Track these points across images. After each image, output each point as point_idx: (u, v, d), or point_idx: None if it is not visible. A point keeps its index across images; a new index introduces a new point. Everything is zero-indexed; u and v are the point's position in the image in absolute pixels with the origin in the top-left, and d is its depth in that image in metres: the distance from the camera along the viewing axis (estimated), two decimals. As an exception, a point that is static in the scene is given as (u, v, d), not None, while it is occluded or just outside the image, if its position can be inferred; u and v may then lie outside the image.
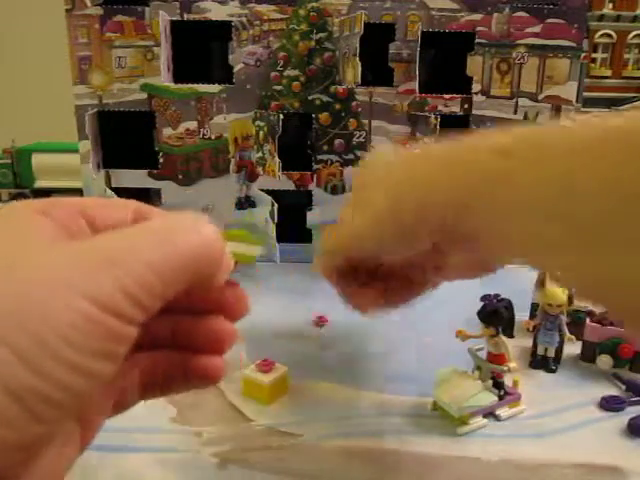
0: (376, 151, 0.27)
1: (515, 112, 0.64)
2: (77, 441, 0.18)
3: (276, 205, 0.61)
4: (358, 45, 0.60)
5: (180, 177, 0.65)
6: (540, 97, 0.64)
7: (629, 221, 0.18)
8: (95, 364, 0.15)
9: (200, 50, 0.64)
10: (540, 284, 0.51)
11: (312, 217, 0.66)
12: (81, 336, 0.14)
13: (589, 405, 0.39)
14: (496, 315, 0.37)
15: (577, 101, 0.67)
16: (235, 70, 0.62)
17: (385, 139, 0.65)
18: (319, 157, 0.65)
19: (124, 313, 0.15)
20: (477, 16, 0.62)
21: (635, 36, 1.37)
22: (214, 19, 0.61)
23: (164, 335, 0.20)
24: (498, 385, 0.37)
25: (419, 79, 0.62)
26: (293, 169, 0.64)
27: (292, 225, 0.64)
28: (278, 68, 0.62)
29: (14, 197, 1.01)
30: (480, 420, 0.36)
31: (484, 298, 0.38)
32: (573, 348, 0.44)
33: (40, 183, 1.01)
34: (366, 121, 0.64)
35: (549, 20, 0.62)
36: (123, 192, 0.63)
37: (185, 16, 0.61)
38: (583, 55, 0.75)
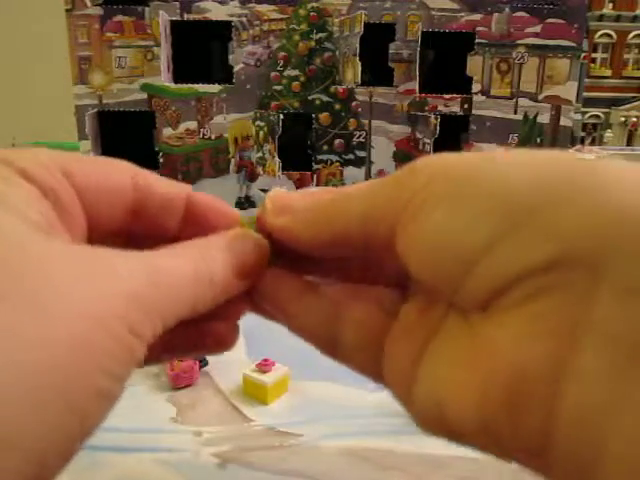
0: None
1: (515, 112, 0.64)
2: None
3: (276, 205, 0.61)
4: (358, 45, 0.60)
5: (180, 177, 0.65)
6: (540, 97, 0.64)
7: None
8: (114, 386, 0.14)
9: (200, 50, 0.64)
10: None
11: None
12: (101, 352, 0.13)
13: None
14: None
15: (577, 101, 0.67)
16: (235, 70, 0.62)
17: (385, 139, 0.65)
18: (319, 157, 0.65)
19: (140, 333, 0.14)
20: (477, 16, 0.62)
21: (635, 36, 1.37)
22: (214, 19, 0.61)
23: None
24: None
25: (419, 79, 0.62)
26: (293, 169, 0.64)
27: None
28: (278, 68, 0.63)
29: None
30: (480, 420, 0.36)
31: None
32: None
33: (40, 183, 1.01)
34: (366, 121, 0.64)
35: (549, 20, 0.62)
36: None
37: (185, 16, 0.61)
38: (583, 55, 0.75)
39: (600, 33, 1.37)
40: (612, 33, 1.37)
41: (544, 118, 0.64)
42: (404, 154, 0.65)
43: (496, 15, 0.62)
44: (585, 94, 1.34)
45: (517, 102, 0.64)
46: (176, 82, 0.63)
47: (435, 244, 0.15)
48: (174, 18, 0.61)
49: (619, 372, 0.12)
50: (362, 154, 0.65)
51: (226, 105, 0.63)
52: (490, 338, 0.14)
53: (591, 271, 0.13)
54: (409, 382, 0.17)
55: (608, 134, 1.35)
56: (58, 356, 0.12)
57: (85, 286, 0.13)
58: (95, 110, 0.63)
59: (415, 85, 0.62)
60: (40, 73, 1.28)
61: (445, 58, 0.65)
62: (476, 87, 0.64)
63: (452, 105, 0.64)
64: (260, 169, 0.65)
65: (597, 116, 1.41)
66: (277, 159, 0.63)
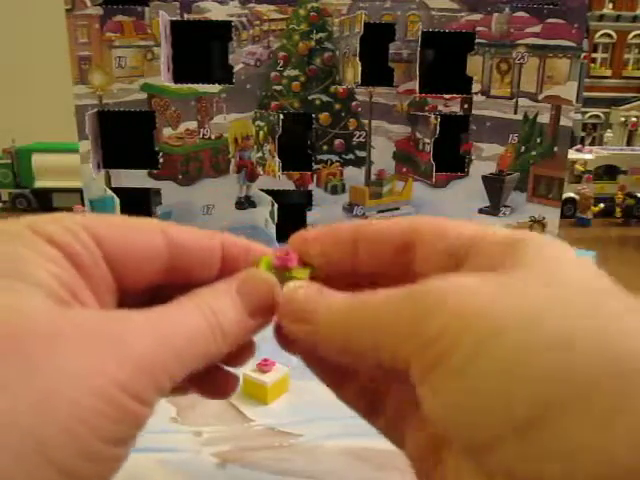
0: None
1: (515, 112, 0.64)
2: None
3: (276, 205, 0.61)
4: (358, 45, 0.60)
5: (180, 177, 0.65)
6: (540, 97, 0.64)
7: None
8: (115, 450, 0.14)
9: (200, 50, 0.64)
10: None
11: (312, 217, 0.66)
12: (106, 422, 0.14)
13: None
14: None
15: (577, 101, 0.67)
16: (235, 70, 0.62)
17: (385, 139, 0.65)
18: (319, 157, 0.65)
19: (145, 398, 0.15)
20: (477, 16, 0.62)
21: (635, 36, 1.37)
22: (214, 19, 0.61)
23: None
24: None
25: (419, 79, 0.62)
26: (293, 169, 0.64)
27: (292, 225, 0.64)
28: (278, 68, 0.63)
29: (14, 197, 1.01)
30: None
31: None
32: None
33: (40, 183, 1.01)
34: (366, 121, 0.64)
35: (549, 20, 0.62)
36: (123, 192, 0.63)
37: (185, 16, 0.61)
38: (583, 55, 0.75)
39: (600, 33, 1.37)
40: (612, 33, 1.37)
41: (544, 118, 0.64)
42: (404, 154, 0.65)
43: (496, 15, 0.62)
44: (585, 94, 1.34)
45: (517, 102, 0.64)
46: (176, 82, 0.63)
47: (459, 413, 0.15)
48: (174, 18, 0.61)
49: None
50: (362, 154, 0.65)
51: (226, 105, 0.63)
52: None
53: None
54: (429, 466, 0.18)
55: (608, 134, 1.35)
56: (51, 429, 0.13)
57: (88, 359, 0.14)
58: (95, 110, 0.63)
59: (415, 85, 0.62)
60: (40, 73, 1.28)
61: (445, 58, 0.65)
62: (476, 87, 0.64)
63: (452, 105, 0.64)
64: (260, 169, 0.65)
65: (597, 116, 1.41)
66: (277, 159, 0.63)
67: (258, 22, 0.62)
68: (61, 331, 0.14)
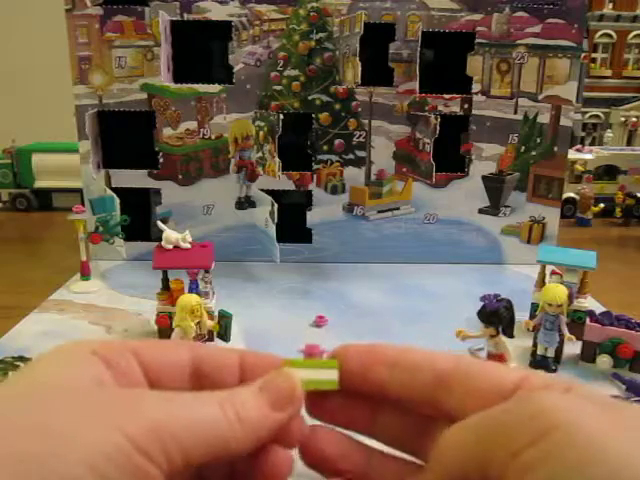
0: None
1: (515, 112, 0.64)
2: None
3: (276, 205, 0.61)
4: (358, 45, 0.60)
5: (180, 177, 0.65)
6: (540, 97, 0.64)
7: None
8: None
9: (200, 50, 0.64)
10: (540, 284, 0.51)
11: (312, 217, 0.66)
12: (116, 471, 0.16)
13: (589, 405, 0.39)
14: (496, 315, 0.37)
15: (577, 101, 0.67)
16: (235, 70, 0.62)
17: (385, 139, 0.65)
18: (319, 157, 0.65)
19: (153, 456, 0.17)
20: (477, 16, 0.62)
21: (635, 36, 1.37)
22: (214, 19, 0.61)
23: (221, 474, 0.22)
24: (498, 385, 0.37)
25: (419, 79, 0.62)
26: (293, 169, 0.64)
27: (292, 225, 0.64)
28: (278, 68, 0.62)
29: (14, 197, 1.01)
30: (480, 420, 0.36)
31: (484, 298, 0.38)
32: (573, 348, 0.44)
33: (40, 183, 1.01)
34: (366, 121, 0.64)
35: (549, 20, 0.62)
36: (123, 192, 0.63)
37: (185, 16, 0.61)
38: (583, 55, 0.75)
39: (600, 33, 1.37)
40: (612, 33, 1.37)
41: (544, 118, 0.64)
42: (404, 154, 0.65)
43: (496, 15, 0.62)
44: (585, 94, 1.34)
45: (517, 102, 0.64)
46: (176, 82, 0.63)
47: None
48: (174, 18, 0.61)
49: None
50: (362, 154, 0.65)
51: (226, 105, 0.63)
52: None
53: None
54: None
55: (608, 134, 1.35)
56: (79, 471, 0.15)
57: (111, 419, 0.17)
58: (95, 110, 0.63)
59: (415, 85, 0.62)
60: (40, 73, 1.28)
61: (445, 58, 0.65)
62: (476, 87, 0.64)
63: (452, 105, 0.64)
64: (260, 169, 0.65)
65: (597, 116, 1.41)
66: (277, 159, 0.63)
67: (258, 22, 0.62)
68: (95, 398, 0.18)
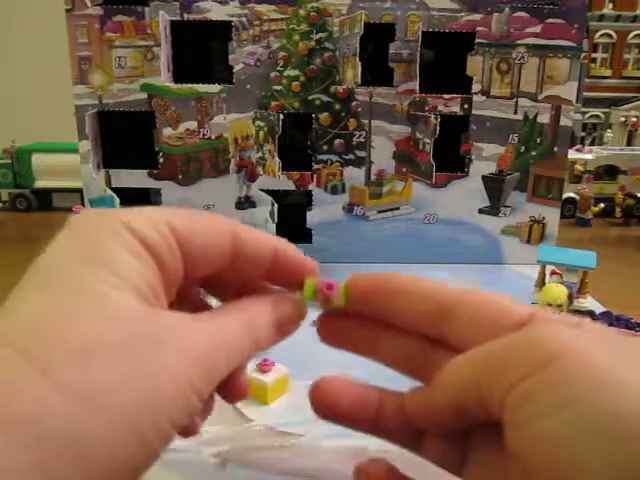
0: None
1: (515, 112, 0.64)
2: None
3: (276, 205, 0.61)
4: (358, 45, 0.60)
5: (180, 177, 0.65)
6: (540, 97, 0.64)
7: None
8: (174, 434, 0.17)
9: (200, 50, 0.64)
10: (540, 284, 0.51)
11: (312, 217, 0.66)
12: (180, 416, 0.17)
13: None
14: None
15: (577, 101, 0.67)
16: (235, 70, 0.62)
17: (385, 139, 0.65)
18: (319, 157, 0.65)
19: (205, 397, 0.18)
20: (477, 16, 0.62)
21: (635, 36, 1.37)
22: (214, 19, 0.61)
23: None
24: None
25: (419, 79, 0.62)
26: (293, 169, 0.64)
27: (292, 225, 0.64)
28: (278, 68, 0.63)
29: (14, 197, 1.01)
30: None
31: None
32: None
33: (40, 183, 1.01)
34: (366, 121, 0.64)
35: (549, 20, 0.62)
36: (123, 192, 0.63)
37: (185, 16, 0.61)
38: (583, 55, 0.75)
39: (600, 33, 1.37)
40: (612, 33, 1.37)
41: (544, 118, 0.64)
42: (404, 154, 0.65)
43: (496, 15, 0.62)
44: (585, 94, 1.34)
45: (517, 102, 0.64)
46: (176, 82, 0.63)
47: (553, 455, 0.15)
48: (174, 18, 0.61)
49: None
50: (362, 154, 0.65)
51: (226, 105, 0.63)
52: None
53: None
54: None
55: (608, 134, 1.35)
56: (146, 415, 0.16)
57: (172, 359, 0.17)
58: (95, 110, 0.63)
59: (415, 85, 0.62)
60: (40, 73, 1.28)
61: (445, 58, 0.65)
62: (476, 87, 0.64)
63: (452, 105, 0.64)
64: (260, 169, 0.65)
65: (597, 116, 1.41)
66: (277, 159, 0.63)
67: (258, 22, 0.62)
68: (148, 327, 0.17)
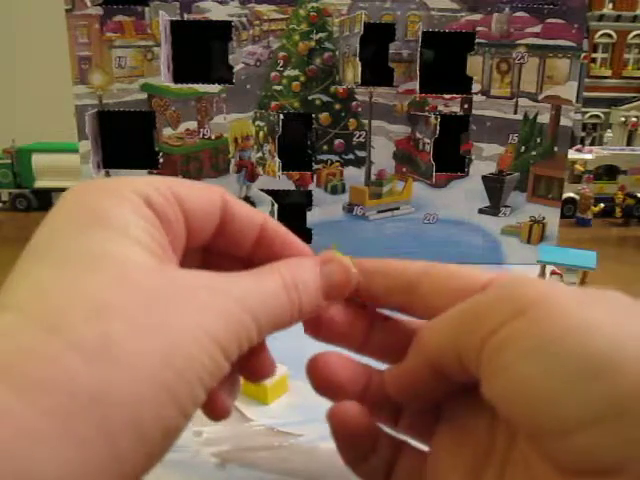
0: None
1: (515, 112, 0.64)
2: None
3: (276, 205, 0.61)
4: (358, 45, 0.60)
5: (180, 177, 0.65)
6: (540, 97, 0.64)
7: None
8: (203, 395, 0.17)
9: (200, 50, 0.64)
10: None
11: (312, 217, 0.66)
12: (207, 375, 0.16)
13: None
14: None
15: (577, 101, 0.67)
16: (235, 70, 0.62)
17: (385, 139, 0.65)
18: (319, 157, 0.65)
19: (232, 357, 0.17)
20: (477, 16, 0.62)
21: (635, 36, 1.37)
22: (214, 19, 0.61)
23: None
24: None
25: (419, 79, 0.62)
26: (293, 169, 0.64)
27: (292, 225, 0.64)
28: (278, 68, 0.63)
29: (14, 197, 1.01)
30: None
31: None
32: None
33: (40, 183, 1.01)
34: (366, 121, 0.64)
35: (549, 20, 0.62)
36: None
37: (185, 16, 0.61)
38: (583, 55, 0.75)
39: (600, 33, 1.37)
40: (612, 33, 1.37)
41: (544, 118, 0.64)
42: (404, 154, 0.65)
43: (496, 15, 0.62)
44: (585, 94, 1.34)
45: (517, 102, 0.64)
46: (176, 82, 0.63)
47: (530, 398, 0.15)
48: (174, 18, 0.61)
49: None
50: (362, 154, 0.65)
51: (226, 105, 0.63)
52: None
53: None
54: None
55: (608, 134, 1.35)
56: (172, 373, 0.15)
57: (194, 317, 0.16)
58: (95, 110, 0.63)
59: (415, 85, 0.62)
60: (40, 73, 1.28)
61: (445, 58, 0.65)
62: (476, 87, 0.64)
63: (452, 105, 0.64)
64: (260, 169, 0.65)
65: (597, 116, 1.41)
66: (277, 159, 0.63)
67: (258, 22, 0.62)
68: (168, 290, 0.16)
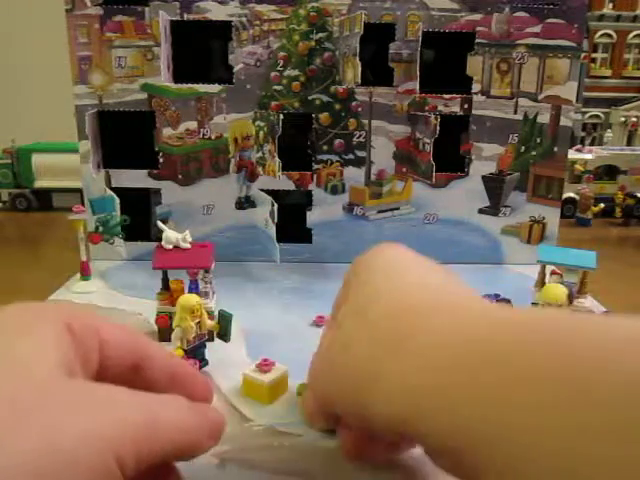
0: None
1: (515, 112, 0.64)
2: None
3: (276, 205, 0.61)
4: (358, 45, 0.60)
5: (180, 177, 0.65)
6: (540, 97, 0.64)
7: None
8: None
9: (200, 50, 0.64)
10: (540, 284, 0.51)
11: (312, 217, 0.66)
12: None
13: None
14: (496, 315, 0.37)
15: (577, 101, 0.67)
16: (235, 70, 0.62)
17: (385, 139, 0.65)
18: (319, 157, 0.65)
19: (129, 470, 0.18)
20: (477, 16, 0.62)
21: (635, 36, 1.37)
22: (214, 19, 0.61)
23: None
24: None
25: (419, 79, 0.62)
26: (293, 169, 0.64)
27: (292, 225, 0.64)
28: (278, 68, 0.62)
29: (14, 197, 1.01)
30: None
31: (484, 298, 0.38)
32: (573, 348, 0.44)
33: (40, 183, 1.01)
34: (366, 121, 0.64)
35: (549, 20, 0.62)
36: (123, 192, 0.63)
37: (185, 16, 0.61)
38: (583, 55, 0.75)
39: (600, 33, 1.37)
40: (612, 33, 1.37)
41: (544, 118, 0.64)
42: (404, 154, 0.65)
43: (496, 15, 0.62)
44: (585, 94, 1.34)
45: (517, 102, 0.64)
46: (176, 82, 0.63)
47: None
48: (174, 18, 0.61)
49: None
50: (362, 154, 0.65)
51: (226, 105, 0.63)
52: None
53: None
54: None
55: (608, 134, 1.35)
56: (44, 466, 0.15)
57: (95, 424, 0.17)
58: (95, 110, 0.63)
59: (415, 85, 0.62)
60: (40, 73, 1.28)
61: (445, 58, 0.65)
62: (476, 87, 0.64)
63: (452, 105, 0.64)
64: (260, 169, 0.65)
65: (597, 116, 1.41)
66: (277, 159, 0.63)
67: (258, 22, 0.62)
68: (67, 392, 0.18)
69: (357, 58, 0.60)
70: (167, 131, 0.64)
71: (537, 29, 0.62)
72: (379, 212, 0.67)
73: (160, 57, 0.60)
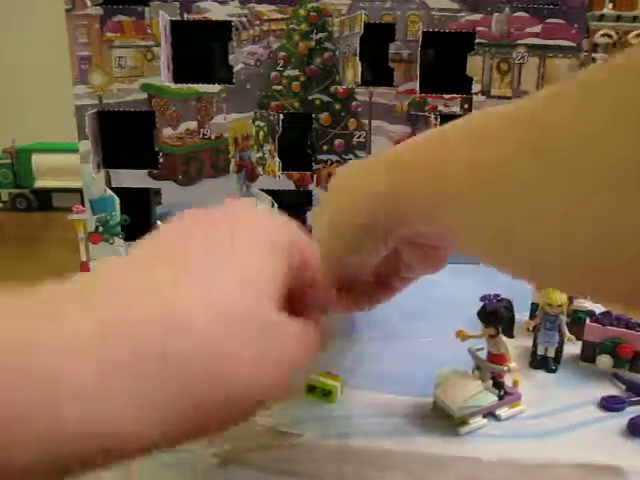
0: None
1: (515, 112, 0.64)
2: None
3: (276, 205, 0.61)
4: (358, 45, 0.60)
5: (180, 177, 0.65)
6: (540, 97, 0.64)
7: None
8: None
9: (200, 50, 0.64)
10: (540, 284, 0.51)
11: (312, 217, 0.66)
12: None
13: (589, 405, 0.39)
14: (496, 315, 0.37)
15: (577, 101, 0.67)
16: (235, 70, 0.62)
17: (385, 139, 0.65)
18: (319, 157, 0.65)
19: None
20: (477, 16, 0.62)
21: (635, 36, 1.37)
22: (214, 19, 0.61)
23: None
24: (498, 385, 0.37)
25: (419, 79, 0.62)
26: (293, 169, 0.64)
27: (292, 225, 0.64)
28: (278, 68, 0.63)
29: (14, 197, 1.01)
30: (480, 420, 0.36)
31: (484, 298, 0.38)
32: (573, 348, 0.44)
33: (40, 183, 1.01)
34: (366, 121, 0.64)
35: (549, 20, 0.62)
36: (123, 192, 0.63)
37: (185, 16, 0.61)
38: (583, 55, 0.75)
39: (600, 33, 1.37)
40: (612, 33, 1.37)
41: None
42: (404, 154, 0.65)
43: (496, 15, 0.62)
44: (585, 94, 1.34)
45: (517, 102, 0.64)
46: (176, 82, 0.63)
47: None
48: (174, 18, 0.61)
49: None
50: (362, 154, 0.65)
51: (226, 105, 0.63)
52: None
53: None
54: None
55: (608, 134, 1.34)
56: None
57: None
58: (95, 110, 0.63)
59: (415, 85, 0.62)
60: (40, 73, 1.28)
61: (445, 58, 0.65)
62: (476, 87, 0.64)
63: (452, 105, 0.64)
64: (260, 169, 0.65)
65: (597, 116, 1.40)
66: (277, 159, 0.63)
67: (258, 22, 0.62)
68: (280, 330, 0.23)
69: (357, 58, 0.60)
70: (167, 131, 0.64)
71: (537, 29, 0.62)
72: (379, 212, 0.67)
73: (160, 57, 0.60)
